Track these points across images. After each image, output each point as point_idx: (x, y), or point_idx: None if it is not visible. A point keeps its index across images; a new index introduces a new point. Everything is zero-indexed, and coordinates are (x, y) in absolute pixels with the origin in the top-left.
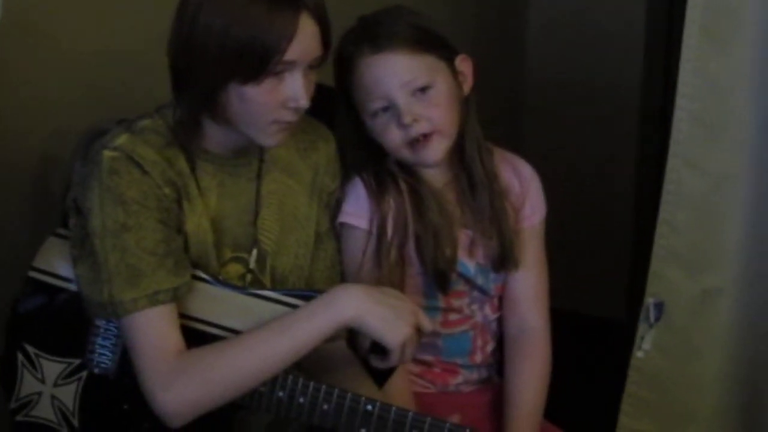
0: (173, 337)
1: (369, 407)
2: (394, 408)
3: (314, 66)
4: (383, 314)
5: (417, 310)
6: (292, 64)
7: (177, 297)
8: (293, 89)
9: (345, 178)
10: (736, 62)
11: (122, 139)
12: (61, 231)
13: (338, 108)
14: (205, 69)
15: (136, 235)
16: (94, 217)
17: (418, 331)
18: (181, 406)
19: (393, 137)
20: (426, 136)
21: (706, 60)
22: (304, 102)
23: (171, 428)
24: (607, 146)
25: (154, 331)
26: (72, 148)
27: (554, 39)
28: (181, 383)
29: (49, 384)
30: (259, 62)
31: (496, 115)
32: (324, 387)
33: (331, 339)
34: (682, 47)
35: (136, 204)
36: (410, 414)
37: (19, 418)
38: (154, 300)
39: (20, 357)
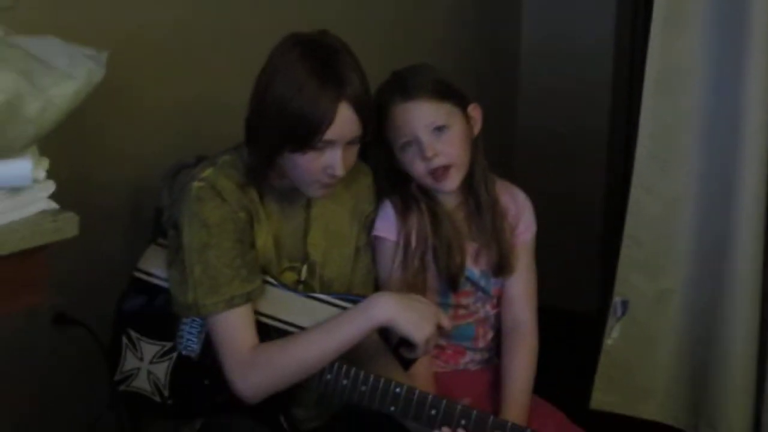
0: (248, 335)
1: (398, 390)
2: (417, 391)
3: (354, 142)
4: (410, 317)
5: (438, 311)
6: (331, 143)
7: (250, 299)
8: (331, 162)
9: (377, 200)
10: (684, 109)
11: (207, 172)
12: (161, 241)
13: (373, 144)
14: (267, 135)
15: (216, 252)
16: (184, 235)
17: (440, 328)
18: (254, 391)
19: (418, 168)
20: (445, 168)
21: (660, 108)
22: (339, 172)
23: (242, 401)
24: (583, 176)
25: (232, 329)
26: (158, 181)
27: (540, 93)
28: (254, 375)
29: (146, 362)
30: (305, 138)
31: (493, 152)
32: (362, 372)
33: (370, 335)
34: (642, 99)
35: (217, 227)
36: (430, 396)
37: (121, 387)
38: (230, 304)
39: (124, 340)
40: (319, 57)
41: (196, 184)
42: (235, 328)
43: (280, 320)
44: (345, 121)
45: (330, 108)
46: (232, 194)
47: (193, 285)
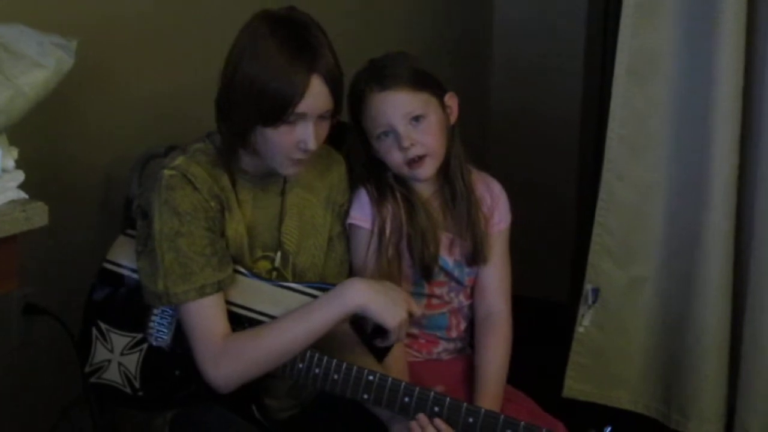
0: (220, 324)
1: (371, 377)
2: (390, 378)
3: (325, 117)
4: (383, 302)
5: (409, 297)
6: (303, 116)
7: (221, 288)
8: (303, 135)
9: (352, 188)
10: (655, 96)
11: (179, 161)
12: (130, 231)
13: (350, 132)
14: (238, 111)
15: (187, 240)
16: (155, 223)
17: (410, 315)
18: (226, 381)
19: (395, 158)
20: (420, 158)
21: (631, 94)
22: (311, 146)
23: (214, 391)
24: (555, 164)
25: (203, 318)
26: (129, 170)
27: (513, 82)
28: (226, 363)
29: (116, 353)
30: (277, 112)
31: (466, 140)
32: (335, 361)
33: (342, 322)
34: (613, 85)
35: (188, 215)
36: (403, 383)
37: (92, 380)
38: (201, 292)
39: (94, 331)
40: (290, 31)
41: (167, 172)
42: (206, 317)
43: (252, 310)
44: (317, 94)
45: (302, 80)
46: (203, 183)
47: (163, 273)
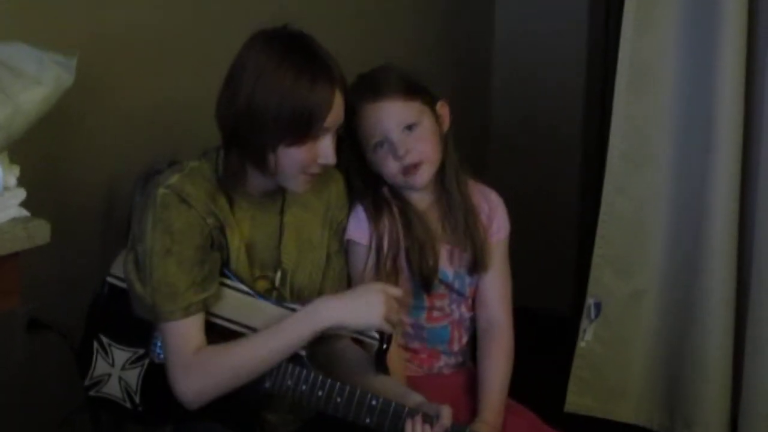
0: (196, 338)
1: (374, 402)
2: (393, 404)
3: (338, 130)
4: (356, 310)
5: (382, 286)
6: (326, 130)
7: (206, 306)
8: (325, 149)
9: (349, 204)
10: (655, 110)
11: (174, 179)
12: None
13: (346, 145)
14: (261, 135)
15: (176, 259)
16: (146, 239)
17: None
18: (194, 395)
19: (390, 167)
20: (416, 165)
21: (631, 107)
22: (332, 160)
23: (213, 408)
24: (557, 177)
25: (182, 334)
26: (131, 185)
27: (513, 93)
28: (194, 377)
29: (117, 367)
30: (305, 129)
31: (467, 151)
32: (338, 384)
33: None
34: (614, 99)
35: (180, 234)
36: (406, 409)
37: (91, 393)
38: (186, 312)
39: (96, 345)
40: (302, 49)
41: (161, 191)
42: (185, 333)
43: (247, 326)
44: (338, 105)
45: (328, 95)
46: (198, 200)
47: (151, 290)
